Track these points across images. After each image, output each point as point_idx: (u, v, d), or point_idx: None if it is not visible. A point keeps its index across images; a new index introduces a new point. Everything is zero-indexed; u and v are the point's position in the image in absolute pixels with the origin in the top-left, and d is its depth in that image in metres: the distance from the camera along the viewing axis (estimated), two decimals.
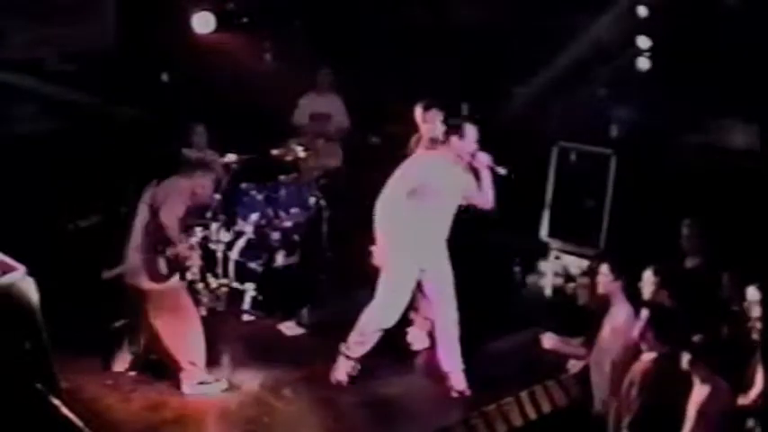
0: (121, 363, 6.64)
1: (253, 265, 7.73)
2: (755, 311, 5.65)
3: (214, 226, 7.70)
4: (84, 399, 6.28)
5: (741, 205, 7.61)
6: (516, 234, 8.69)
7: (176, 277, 6.31)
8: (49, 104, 9.09)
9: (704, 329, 5.81)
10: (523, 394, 6.56)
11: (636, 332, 5.74)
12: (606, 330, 6.37)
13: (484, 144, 6.51)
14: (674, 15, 8.44)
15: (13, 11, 8.85)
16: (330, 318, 7.59)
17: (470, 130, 6.49)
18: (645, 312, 5.75)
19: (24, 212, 7.71)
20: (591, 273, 7.20)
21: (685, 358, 5.29)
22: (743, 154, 8.33)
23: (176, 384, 6.42)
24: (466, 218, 6.69)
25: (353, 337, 6.62)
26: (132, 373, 6.61)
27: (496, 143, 6.65)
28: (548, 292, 8.48)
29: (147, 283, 6.30)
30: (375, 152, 9.48)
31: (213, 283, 7.72)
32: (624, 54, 8.80)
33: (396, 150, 7.27)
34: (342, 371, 6.66)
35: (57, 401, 5.84)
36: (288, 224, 8.14)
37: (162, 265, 6.24)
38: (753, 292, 5.73)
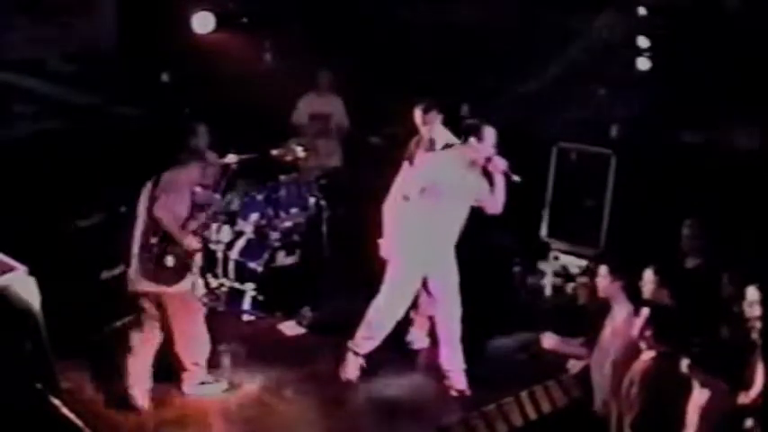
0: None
1: (253, 265, 7.73)
2: (755, 311, 5.64)
3: (214, 226, 7.70)
4: (84, 399, 6.28)
5: (741, 205, 7.61)
6: (516, 234, 8.69)
7: (186, 279, 6.18)
8: (48, 104, 9.09)
9: (704, 329, 5.82)
10: (523, 394, 6.56)
11: (636, 331, 5.74)
12: (607, 330, 6.37)
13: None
14: (675, 15, 8.45)
15: (14, 11, 8.86)
16: (330, 318, 7.59)
17: (489, 133, 6.45)
18: (645, 312, 5.75)
19: (24, 212, 7.71)
20: (590, 273, 7.20)
21: (685, 362, 5.28)
22: (743, 154, 8.33)
23: (176, 384, 6.42)
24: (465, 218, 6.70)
25: (361, 332, 6.62)
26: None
27: (497, 143, 6.65)
28: (548, 292, 8.48)
29: (154, 287, 6.13)
30: (375, 152, 9.48)
31: (213, 283, 7.73)
32: (624, 54, 8.80)
33: (396, 150, 7.27)
34: (351, 368, 6.66)
35: (57, 401, 5.84)
36: (288, 224, 8.15)
37: (170, 267, 6.08)
38: (753, 292, 5.72)
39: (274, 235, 7.96)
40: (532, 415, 6.54)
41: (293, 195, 8.29)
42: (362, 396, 6.58)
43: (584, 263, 8.13)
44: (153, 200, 6.11)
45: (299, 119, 9.38)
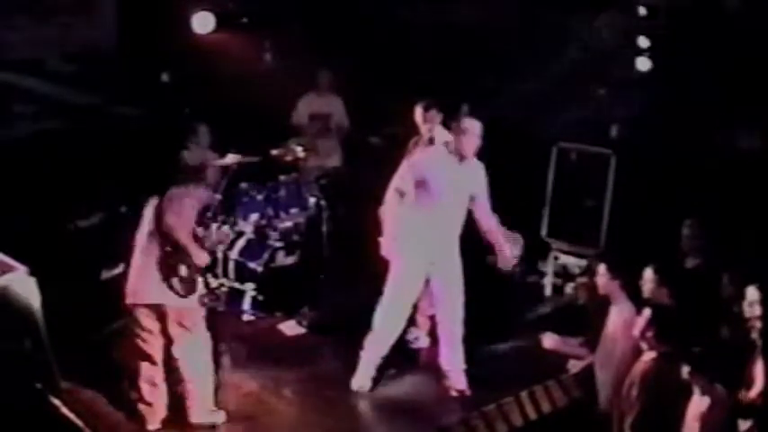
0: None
1: (253, 264, 7.72)
2: (755, 311, 5.65)
3: (214, 226, 7.69)
4: (84, 399, 6.28)
5: (741, 205, 7.61)
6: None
7: (196, 294, 5.97)
8: (48, 104, 9.09)
9: (704, 329, 5.82)
10: (523, 394, 6.56)
11: (637, 332, 5.74)
12: (609, 329, 6.37)
13: (485, 144, 6.50)
14: (675, 15, 8.45)
15: (14, 11, 8.86)
16: (330, 318, 7.60)
17: (471, 125, 6.42)
18: (646, 312, 5.76)
19: (24, 212, 7.71)
20: (590, 273, 7.20)
21: (685, 369, 5.28)
22: (743, 154, 8.33)
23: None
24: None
25: (369, 339, 6.61)
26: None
27: (497, 143, 6.65)
28: (548, 292, 8.48)
29: (161, 299, 5.89)
30: (375, 152, 9.48)
31: (213, 282, 7.72)
32: (624, 54, 8.80)
33: (396, 150, 7.27)
34: (362, 376, 6.63)
35: (57, 401, 5.85)
36: (288, 224, 8.14)
37: (183, 276, 5.89)
38: (753, 292, 5.72)
39: (274, 235, 7.96)
40: (532, 415, 6.54)
41: (293, 195, 8.29)
42: (362, 396, 6.58)
43: (584, 263, 8.12)
44: (162, 211, 5.88)
45: (299, 119, 9.37)
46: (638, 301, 6.24)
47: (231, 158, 7.69)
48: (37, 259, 6.08)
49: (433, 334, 6.96)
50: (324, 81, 9.43)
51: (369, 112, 9.60)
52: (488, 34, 9.33)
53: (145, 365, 5.99)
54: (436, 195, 6.39)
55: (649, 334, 5.66)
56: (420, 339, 7.19)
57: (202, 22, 9.42)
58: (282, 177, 8.34)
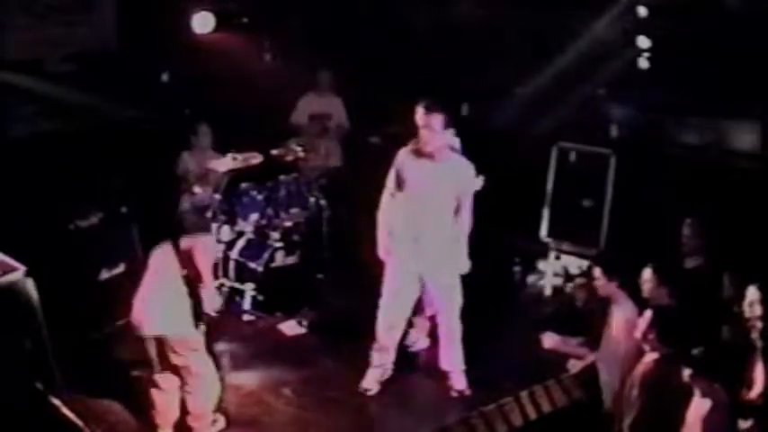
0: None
1: (253, 265, 7.73)
2: (755, 311, 5.65)
3: (214, 226, 7.69)
4: (84, 399, 6.27)
5: (741, 205, 7.61)
6: (516, 234, 8.70)
7: (203, 325, 5.97)
8: (48, 104, 9.09)
9: (704, 330, 5.82)
10: (523, 394, 6.55)
11: (639, 333, 5.74)
12: (612, 330, 6.37)
13: (485, 146, 6.49)
14: (675, 15, 8.45)
15: (14, 11, 8.86)
16: (330, 318, 7.60)
17: (429, 120, 6.26)
18: (647, 314, 5.76)
19: (24, 212, 7.71)
20: (588, 275, 7.20)
21: (686, 372, 5.28)
22: (743, 154, 8.34)
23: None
24: None
25: (375, 345, 6.62)
26: (135, 373, 6.55)
27: (497, 143, 6.65)
28: (548, 292, 8.48)
29: (163, 330, 5.85)
30: (375, 152, 9.47)
31: (213, 283, 7.71)
32: (624, 54, 8.80)
33: (396, 150, 7.26)
34: (370, 379, 6.63)
35: (57, 401, 5.84)
36: (288, 224, 8.14)
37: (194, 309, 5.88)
38: (753, 292, 5.72)
39: (274, 235, 7.96)
40: (532, 415, 6.53)
41: (293, 195, 8.29)
42: (362, 396, 6.58)
43: (584, 263, 8.12)
44: (182, 252, 5.86)
45: (299, 119, 9.37)
46: (639, 301, 6.24)
47: (234, 163, 7.68)
48: (37, 259, 6.08)
49: (432, 334, 6.95)
50: (324, 81, 9.43)
51: (369, 112, 9.60)
52: (488, 34, 9.33)
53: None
54: (413, 194, 6.35)
55: (651, 336, 5.66)
56: (419, 342, 7.18)
57: (202, 22, 9.41)
58: (282, 177, 8.34)
